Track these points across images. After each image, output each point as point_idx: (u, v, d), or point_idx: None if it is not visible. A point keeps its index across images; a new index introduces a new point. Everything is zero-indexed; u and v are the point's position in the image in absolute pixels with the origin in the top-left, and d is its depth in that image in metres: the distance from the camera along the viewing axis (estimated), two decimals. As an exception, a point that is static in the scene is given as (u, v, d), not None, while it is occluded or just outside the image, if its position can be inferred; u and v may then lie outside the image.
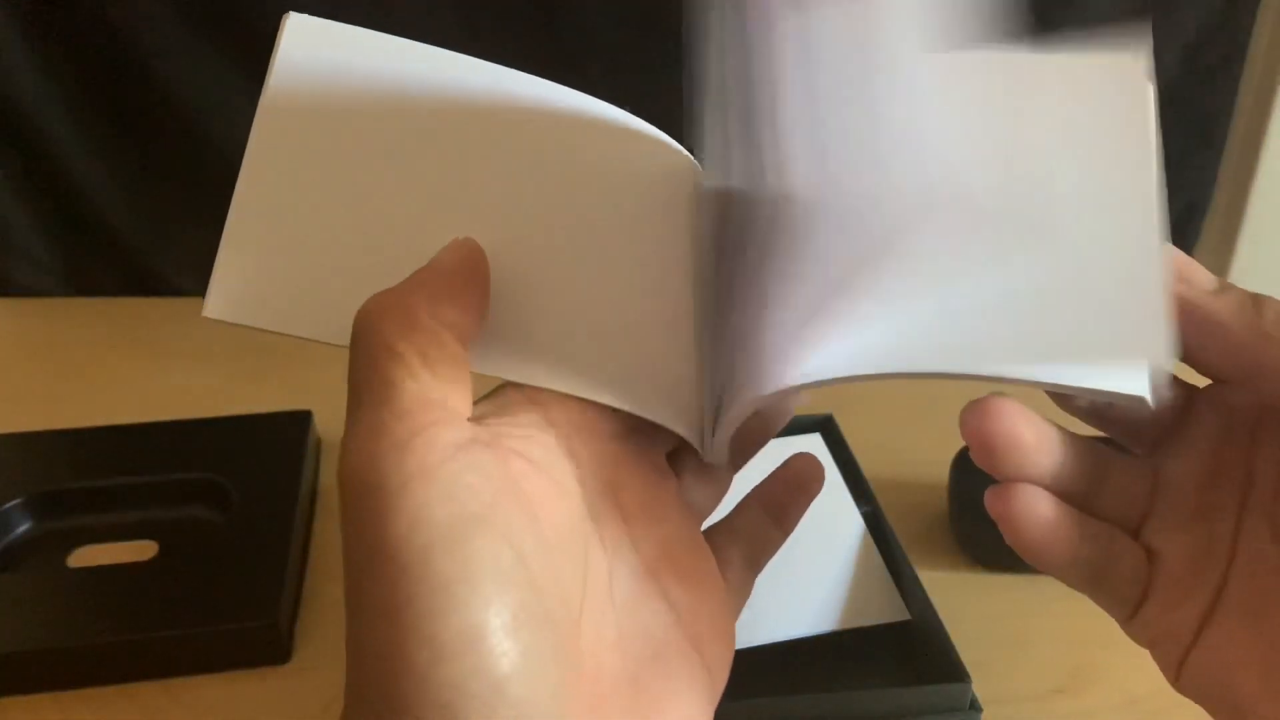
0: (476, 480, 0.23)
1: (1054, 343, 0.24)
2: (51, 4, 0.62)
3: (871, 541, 0.47)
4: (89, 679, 0.44)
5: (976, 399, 0.26)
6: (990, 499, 0.26)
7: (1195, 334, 0.25)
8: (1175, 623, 0.26)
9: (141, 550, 0.49)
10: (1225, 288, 0.26)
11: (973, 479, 0.50)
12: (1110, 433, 0.29)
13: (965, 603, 0.46)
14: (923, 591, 0.43)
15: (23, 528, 0.51)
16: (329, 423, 0.59)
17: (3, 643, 0.43)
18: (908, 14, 0.25)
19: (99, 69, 0.64)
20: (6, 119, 0.65)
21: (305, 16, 0.29)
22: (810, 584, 0.44)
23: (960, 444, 0.43)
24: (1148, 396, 0.24)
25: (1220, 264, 0.74)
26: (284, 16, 0.28)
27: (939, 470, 0.52)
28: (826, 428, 0.54)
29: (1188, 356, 0.26)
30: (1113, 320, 0.24)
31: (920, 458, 0.53)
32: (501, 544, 0.22)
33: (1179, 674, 0.26)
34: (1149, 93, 0.26)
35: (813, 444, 0.53)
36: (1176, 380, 0.27)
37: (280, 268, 0.28)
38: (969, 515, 0.51)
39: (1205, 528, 0.27)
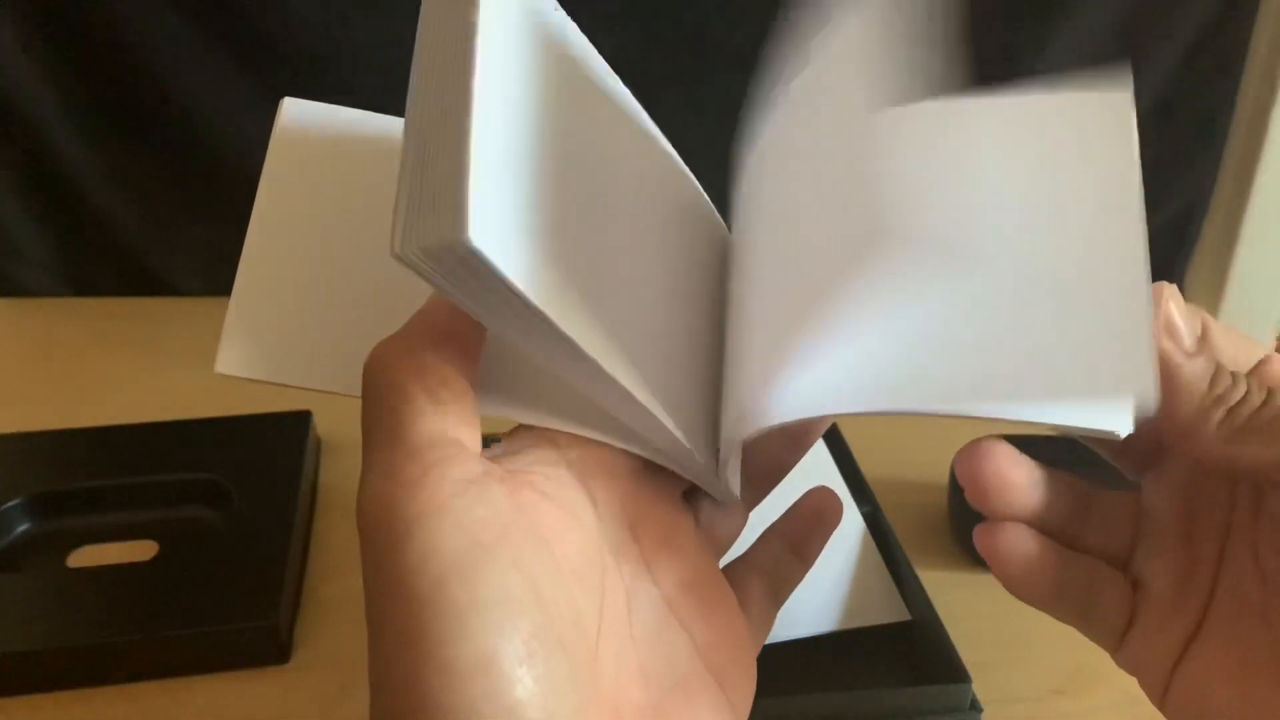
0: (487, 512, 0.23)
1: (1037, 381, 0.24)
2: (52, 4, 0.62)
3: (871, 541, 0.47)
4: (89, 679, 0.44)
5: (970, 442, 0.28)
6: (978, 536, 0.28)
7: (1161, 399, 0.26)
8: (1159, 649, 0.27)
9: (141, 550, 0.49)
10: (1199, 352, 0.26)
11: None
12: (1101, 451, 0.30)
13: (965, 603, 0.46)
14: (923, 591, 0.43)
15: (23, 528, 0.51)
16: (329, 423, 0.59)
17: (3, 643, 0.43)
18: (874, 59, 0.25)
19: (99, 69, 0.64)
20: (6, 119, 0.65)
21: (299, 101, 0.32)
22: (810, 584, 0.44)
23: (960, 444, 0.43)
24: (1124, 432, 0.24)
25: (1220, 264, 0.74)
26: (280, 103, 0.32)
27: (939, 470, 0.52)
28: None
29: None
30: (1096, 359, 0.24)
31: (920, 458, 0.53)
32: (511, 571, 0.23)
33: (1163, 700, 0.27)
34: (1132, 130, 0.26)
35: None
36: None
37: (286, 323, 0.30)
38: (969, 515, 0.50)
39: (1188, 554, 0.27)
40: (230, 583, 0.46)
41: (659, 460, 0.29)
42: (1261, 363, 0.27)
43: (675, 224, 0.31)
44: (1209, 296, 0.76)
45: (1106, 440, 0.27)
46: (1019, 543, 0.27)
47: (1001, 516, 0.28)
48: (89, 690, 0.44)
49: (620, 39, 0.65)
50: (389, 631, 0.22)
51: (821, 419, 0.34)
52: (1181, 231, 0.74)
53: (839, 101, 0.26)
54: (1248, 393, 0.25)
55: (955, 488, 0.51)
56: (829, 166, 0.26)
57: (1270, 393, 0.25)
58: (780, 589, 0.34)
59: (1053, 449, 0.31)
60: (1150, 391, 0.24)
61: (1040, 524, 0.28)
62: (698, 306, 0.30)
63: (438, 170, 0.21)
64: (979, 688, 0.40)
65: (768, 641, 0.41)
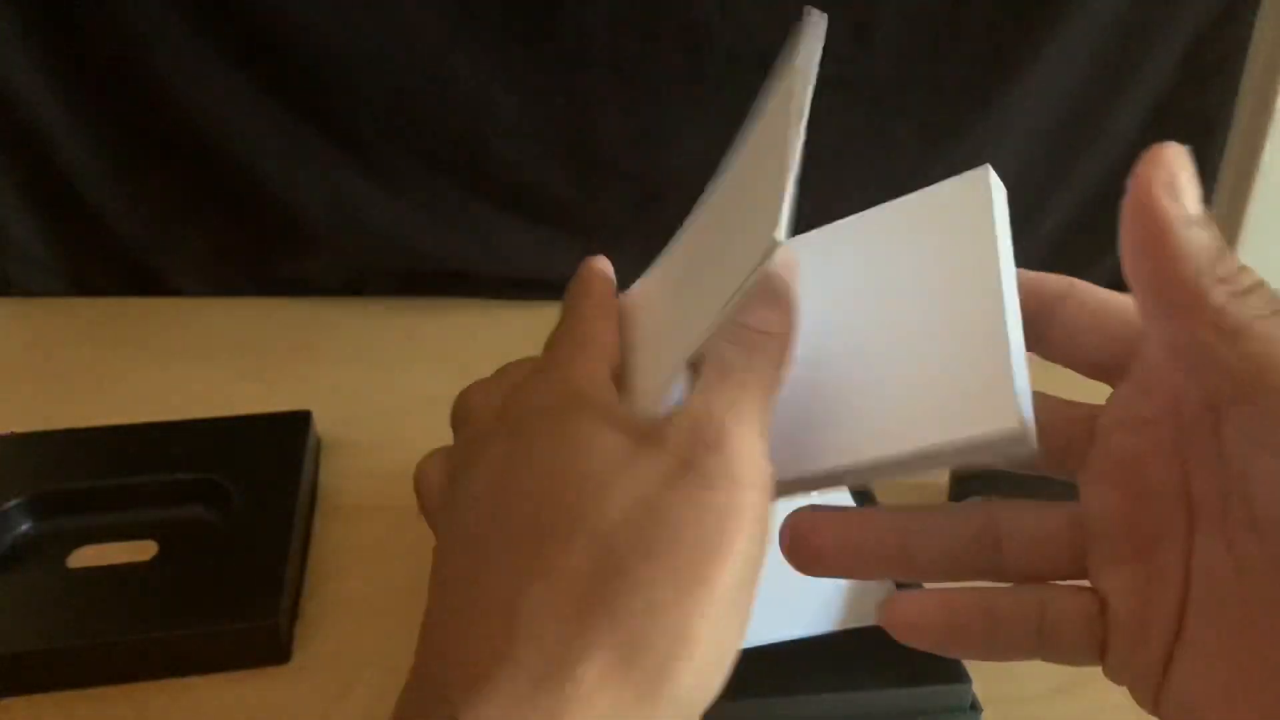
0: None
1: (914, 416, 0.25)
2: (52, 4, 0.62)
3: (871, 541, 0.47)
4: (89, 679, 0.44)
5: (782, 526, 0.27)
6: (882, 618, 0.26)
7: (1146, 250, 0.22)
8: (1140, 663, 0.25)
9: (141, 550, 0.49)
10: (1205, 223, 0.22)
11: (973, 480, 0.50)
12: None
13: (965, 603, 0.46)
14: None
15: (23, 528, 0.51)
16: (328, 423, 0.59)
17: (3, 643, 0.43)
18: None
19: (99, 69, 0.64)
20: (6, 119, 0.65)
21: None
22: (810, 584, 0.44)
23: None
24: (1016, 426, 0.23)
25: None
26: None
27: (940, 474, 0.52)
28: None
29: (1135, 280, 0.23)
30: (962, 375, 0.25)
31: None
32: None
33: (1156, 708, 0.25)
34: (990, 203, 0.27)
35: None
36: (1073, 403, 0.27)
37: None
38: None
39: (1146, 555, 0.24)
40: (230, 583, 0.46)
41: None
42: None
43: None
44: (1209, 296, 0.76)
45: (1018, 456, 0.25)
46: (918, 606, 0.26)
47: (842, 573, 0.27)
48: (89, 690, 0.44)
49: (620, 39, 0.65)
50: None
51: None
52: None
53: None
54: (1258, 286, 0.21)
55: (954, 487, 0.51)
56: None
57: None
58: None
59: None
60: (1015, 388, 0.24)
61: (942, 569, 0.26)
62: None
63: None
64: (979, 688, 0.40)
65: (768, 641, 0.41)
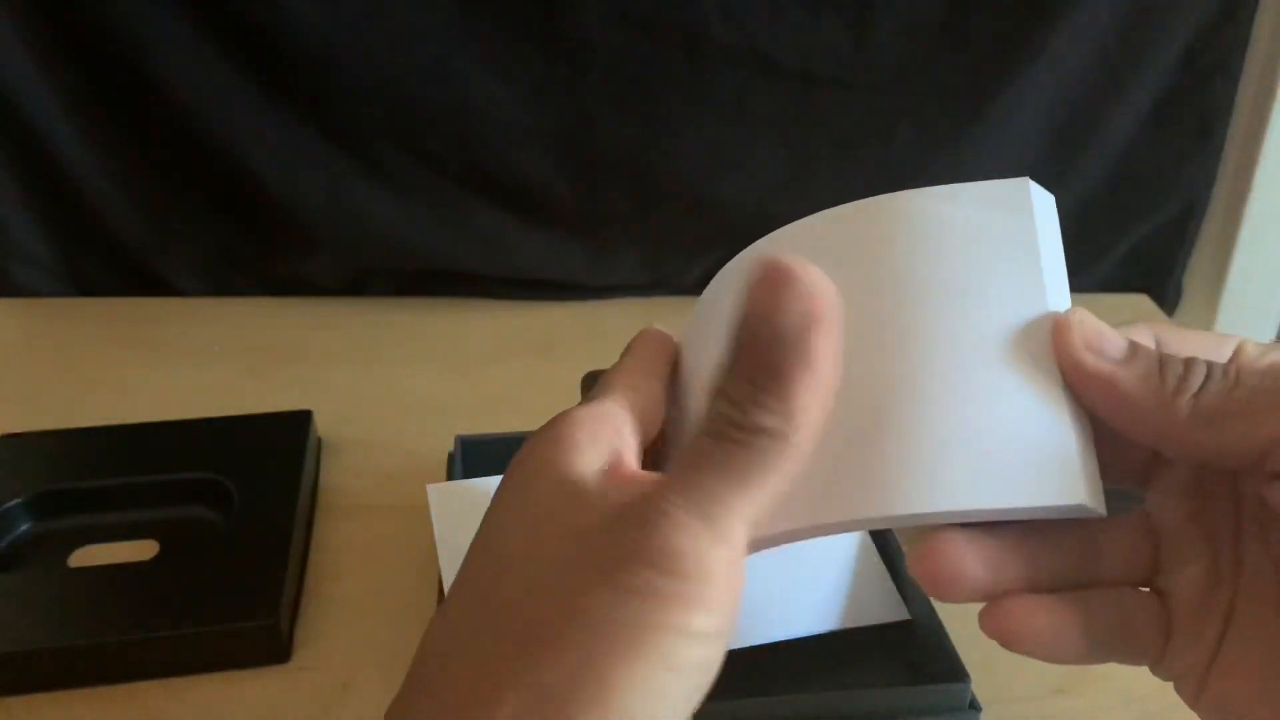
0: None
1: (973, 470, 0.24)
2: (53, 4, 0.62)
3: (871, 542, 0.47)
4: (89, 679, 0.44)
5: (922, 543, 0.26)
6: (985, 625, 0.26)
7: (1105, 406, 0.25)
8: (1192, 656, 0.26)
9: (141, 550, 0.49)
10: (1134, 354, 0.25)
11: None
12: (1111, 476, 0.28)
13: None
14: (923, 591, 0.43)
15: (23, 528, 0.51)
16: (328, 423, 0.59)
17: (3, 643, 0.43)
18: None
19: (99, 68, 0.64)
20: (7, 118, 0.65)
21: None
22: (810, 584, 0.44)
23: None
24: (1085, 502, 0.23)
25: (1220, 263, 0.74)
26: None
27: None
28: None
29: (1132, 436, 0.25)
30: (1021, 431, 0.24)
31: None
32: None
33: (1197, 701, 0.26)
34: (1029, 215, 0.26)
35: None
36: None
37: None
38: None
39: (1208, 557, 0.26)
40: (230, 583, 0.46)
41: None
42: (1235, 351, 0.26)
43: None
44: (1209, 296, 0.76)
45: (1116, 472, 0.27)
46: (1029, 616, 0.26)
47: (980, 599, 0.26)
48: (89, 690, 0.44)
49: (621, 39, 0.65)
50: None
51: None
52: (1181, 231, 0.74)
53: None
54: (1209, 376, 0.24)
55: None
56: None
57: (1235, 373, 0.24)
58: None
59: None
60: (1082, 465, 0.24)
61: (1052, 580, 0.26)
62: None
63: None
64: (978, 687, 0.40)
65: (768, 641, 0.41)
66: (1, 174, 0.67)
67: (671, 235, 0.70)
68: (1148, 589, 0.27)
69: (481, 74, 0.64)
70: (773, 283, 0.22)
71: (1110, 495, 0.26)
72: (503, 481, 0.26)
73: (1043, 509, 0.24)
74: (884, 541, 0.47)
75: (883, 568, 0.46)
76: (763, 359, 0.22)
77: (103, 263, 0.71)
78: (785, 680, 0.40)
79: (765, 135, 0.67)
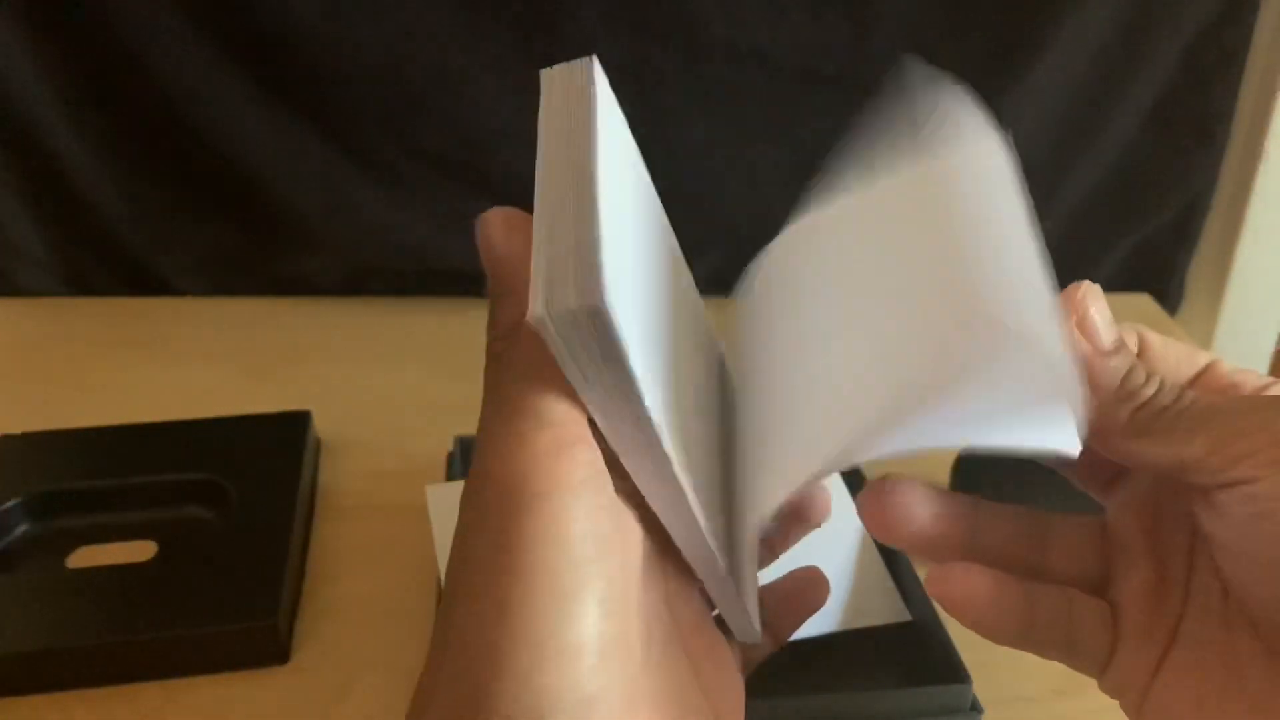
0: (607, 505, 0.24)
1: (977, 410, 0.24)
2: (53, 4, 0.62)
3: (871, 542, 0.47)
4: (89, 679, 0.44)
5: (874, 481, 0.27)
6: (929, 586, 0.27)
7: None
8: (1136, 671, 0.26)
9: (141, 550, 0.49)
10: (1115, 352, 0.25)
11: (974, 480, 0.50)
12: (1069, 475, 0.29)
13: (965, 603, 0.46)
14: (923, 592, 0.43)
15: (22, 528, 0.51)
16: (328, 423, 0.59)
17: (3, 643, 0.43)
18: None
19: (99, 69, 0.64)
20: (6, 119, 0.65)
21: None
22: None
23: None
24: (1070, 450, 0.24)
25: (1221, 263, 0.74)
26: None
27: (939, 470, 0.52)
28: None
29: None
30: (1024, 382, 0.24)
31: (920, 458, 0.52)
32: (617, 570, 0.23)
33: (1139, 716, 0.27)
34: (1000, 162, 0.25)
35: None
36: None
37: None
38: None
39: (1157, 573, 0.27)
40: (230, 583, 0.46)
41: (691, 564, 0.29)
42: (1204, 369, 0.27)
43: (704, 334, 0.32)
44: (1209, 295, 0.76)
45: (1065, 463, 0.27)
46: (973, 582, 0.26)
47: (915, 549, 0.28)
48: (88, 691, 0.44)
49: (620, 39, 0.65)
50: (488, 598, 0.22)
51: (818, 489, 0.33)
52: (1182, 231, 0.74)
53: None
54: (1158, 391, 0.25)
55: (956, 488, 0.51)
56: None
57: (1181, 392, 0.25)
58: (749, 659, 0.33)
59: (1024, 479, 0.30)
60: (1075, 409, 0.24)
61: (994, 559, 0.27)
62: (710, 422, 0.30)
63: (567, 245, 0.22)
64: (979, 688, 0.40)
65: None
66: (1, 174, 0.67)
67: (670, 235, 0.70)
68: (1102, 599, 0.28)
69: (481, 74, 0.64)
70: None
71: (1080, 501, 0.27)
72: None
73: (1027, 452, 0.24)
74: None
75: (883, 568, 0.46)
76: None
77: (103, 263, 0.71)
78: (785, 681, 0.40)
79: (765, 134, 0.67)
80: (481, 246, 0.27)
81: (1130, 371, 0.25)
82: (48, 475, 0.52)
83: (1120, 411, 0.25)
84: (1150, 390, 0.25)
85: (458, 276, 0.71)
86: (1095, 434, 0.25)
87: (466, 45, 0.64)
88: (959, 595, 0.26)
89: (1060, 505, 0.29)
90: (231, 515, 0.50)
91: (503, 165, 0.68)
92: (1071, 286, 0.26)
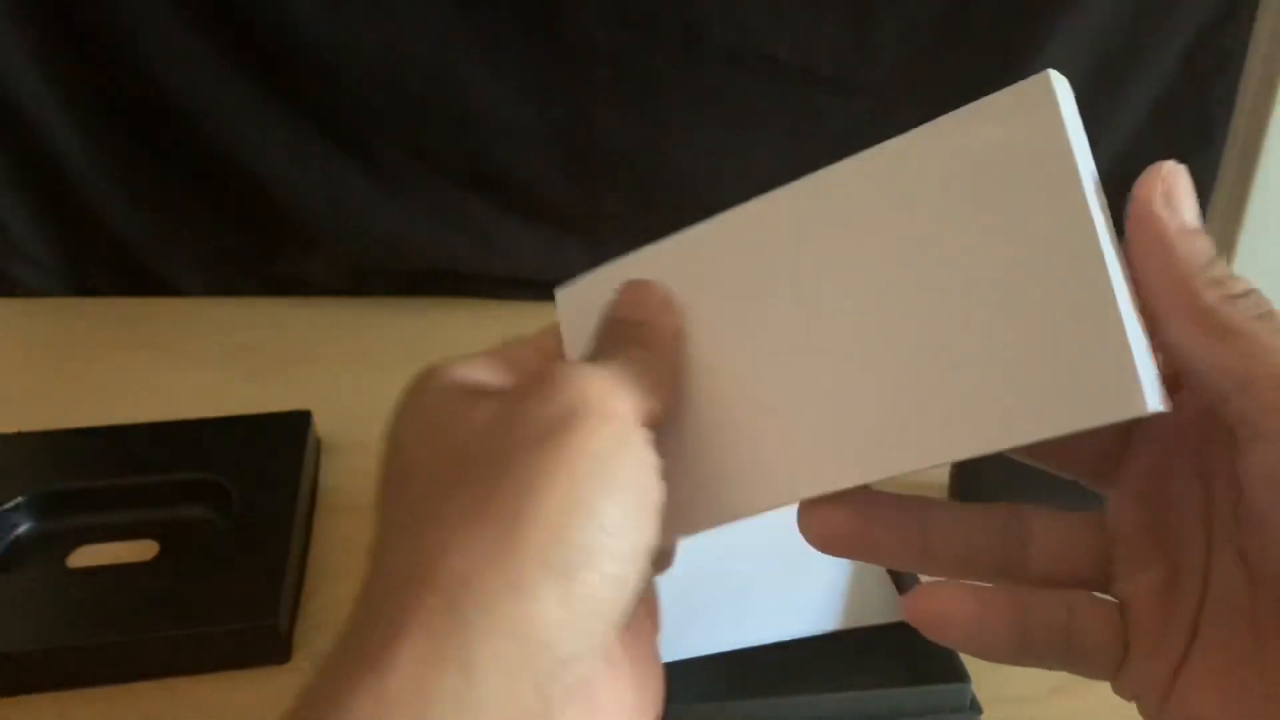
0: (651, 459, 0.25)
1: (1019, 399, 0.23)
2: (52, 4, 0.62)
3: (871, 541, 0.47)
4: (89, 679, 0.44)
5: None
6: (908, 609, 0.25)
7: (1142, 253, 0.23)
8: (1154, 671, 0.24)
9: (141, 550, 0.49)
10: (1199, 234, 0.23)
11: (973, 480, 0.50)
12: (1057, 470, 0.27)
13: (965, 603, 0.46)
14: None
15: (23, 528, 0.51)
16: (329, 423, 0.59)
17: (3, 643, 0.43)
18: None
19: (99, 68, 0.64)
20: (6, 118, 0.65)
21: (567, 287, 0.31)
22: (810, 584, 0.44)
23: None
24: (1147, 406, 0.22)
25: (1220, 264, 0.74)
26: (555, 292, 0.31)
27: (939, 470, 0.52)
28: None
29: (1142, 288, 0.23)
30: (1077, 353, 0.22)
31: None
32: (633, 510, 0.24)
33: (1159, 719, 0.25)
34: (1057, 115, 0.24)
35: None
36: None
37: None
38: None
39: (1169, 566, 0.25)
40: (230, 583, 0.46)
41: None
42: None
43: None
44: (1209, 296, 0.76)
45: (1053, 454, 0.26)
46: (952, 601, 0.25)
47: (850, 553, 0.27)
48: (89, 690, 0.44)
49: (620, 38, 0.65)
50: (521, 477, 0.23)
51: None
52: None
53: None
54: (1249, 292, 0.23)
55: (956, 488, 0.51)
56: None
57: (1268, 303, 0.23)
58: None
59: (1024, 478, 0.28)
60: (1138, 366, 0.22)
61: (974, 569, 0.26)
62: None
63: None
64: (979, 688, 0.40)
65: (768, 641, 0.41)
66: (1, 174, 0.67)
67: (671, 234, 0.70)
68: (1107, 597, 0.26)
69: (481, 74, 0.64)
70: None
71: (1076, 494, 0.26)
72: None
73: (1093, 427, 0.22)
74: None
75: (882, 568, 0.46)
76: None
77: (103, 263, 0.71)
78: (785, 681, 0.40)
79: (765, 135, 0.67)
80: None
81: (1216, 260, 0.23)
82: (49, 475, 0.52)
83: (1203, 295, 0.22)
84: (1239, 288, 0.23)
85: (458, 276, 0.71)
86: (1165, 319, 0.23)
87: (467, 45, 0.64)
88: (936, 612, 0.25)
89: (1065, 504, 0.27)
90: (232, 515, 0.50)
91: (503, 165, 0.68)
92: (1157, 163, 0.24)
